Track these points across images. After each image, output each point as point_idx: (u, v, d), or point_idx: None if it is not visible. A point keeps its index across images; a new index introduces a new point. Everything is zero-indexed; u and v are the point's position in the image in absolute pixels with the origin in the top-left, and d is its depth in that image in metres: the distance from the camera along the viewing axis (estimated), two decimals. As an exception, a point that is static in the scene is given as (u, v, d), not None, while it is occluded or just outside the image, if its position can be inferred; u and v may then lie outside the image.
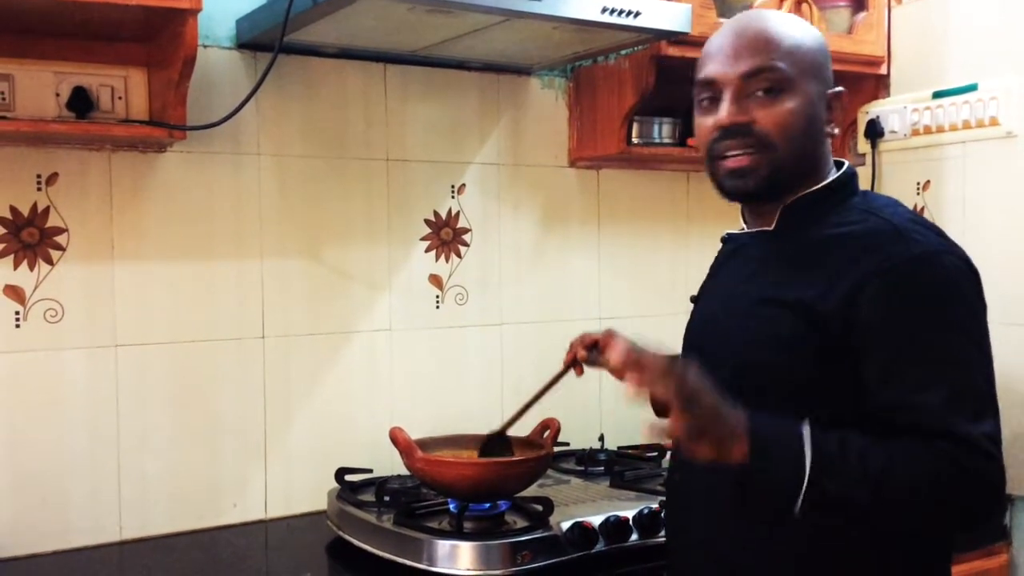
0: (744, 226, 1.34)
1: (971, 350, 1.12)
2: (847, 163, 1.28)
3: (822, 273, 1.16)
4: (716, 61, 1.22)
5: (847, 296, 1.13)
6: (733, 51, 1.21)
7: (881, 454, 1.06)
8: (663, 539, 1.60)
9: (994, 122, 2.04)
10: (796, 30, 1.23)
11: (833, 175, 1.26)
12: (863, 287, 1.12)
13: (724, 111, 1.20)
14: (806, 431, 1.08)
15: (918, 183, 2.21)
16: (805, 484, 1.06)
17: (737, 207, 1.33)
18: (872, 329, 1.12)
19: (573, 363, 1.47)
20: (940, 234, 1.18)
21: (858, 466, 1.06)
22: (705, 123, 1.24)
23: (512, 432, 1.63)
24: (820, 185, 1.24)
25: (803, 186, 1.24)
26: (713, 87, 1.23)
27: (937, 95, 2.16)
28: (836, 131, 1.26)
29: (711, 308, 1.34)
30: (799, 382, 1.16)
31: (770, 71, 1.19)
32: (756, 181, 1.21)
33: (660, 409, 1.56)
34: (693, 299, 1.41)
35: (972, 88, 2.09)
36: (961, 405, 1.08)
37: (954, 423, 1.07)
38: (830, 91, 1.24)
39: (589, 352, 1.45)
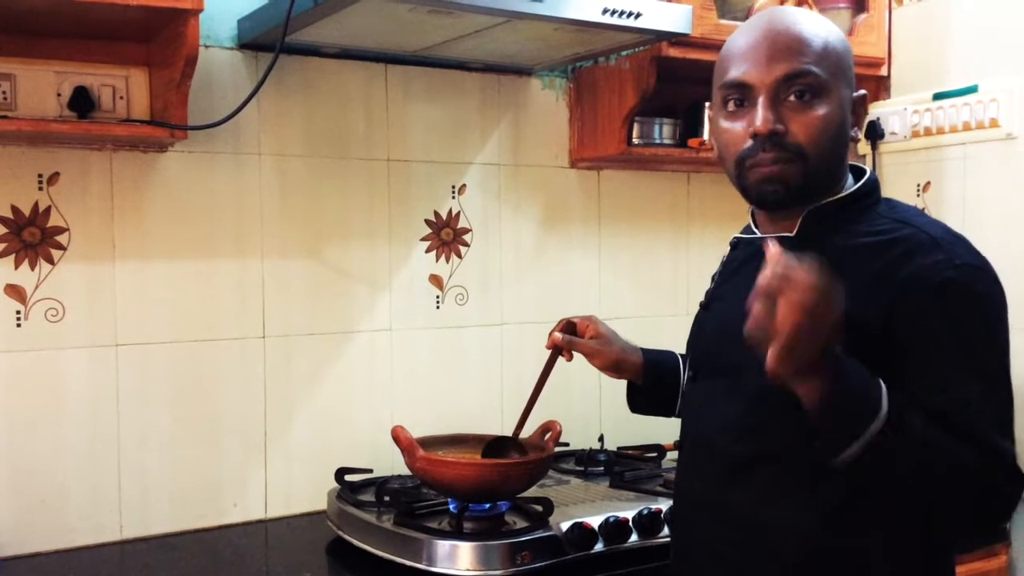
0: (755, 230, 1.30)
1: (1005, 366, 1.12)
2: (869, 169, 1.26)
3: (856, 281, 1.12)
4: (747, 62, 1.18)
5: (888, 304, 1.11)
6: (767, 53, 1.17)
7: (937, 433, 1.05)
8: (662, 540, 1.61)
9: (994, 124, 2.04)
10: (826, 31, 1.20)
11: (851, 181, 1.24)
12: (906, 295, 1.10)
13: (760, 118, 1.16)
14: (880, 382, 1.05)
15: (918, 185, 2.21)
16: (881, 420, 1.01)
17: (740, 208, 1.32)
18: (920, 336, 1.10)
19: (558, 349, 1.51)
20: (973, 248, 1.16)
21: (921, 429, 1.04)
22: (734, 128, 1.20)
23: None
24: (846, 192, 1.22)
25: (826, 191, 1.22)
26: (744, 90, 1.19)
27: (937, 97, 2.16)
28: (859, 136, 1.24)
29: (728, 314, 1.26)
30: None
31: (806, 75, 1.16)
32: (789, 190, 1.18)
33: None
34: (703, 305, 1.37)
35: (972, 90, 2.09)
36: (1001, 421, 1.09)
37: (997, 438, 1.07)
38: (855, 95, 1.22)
39: (565, 333, 1.49)
